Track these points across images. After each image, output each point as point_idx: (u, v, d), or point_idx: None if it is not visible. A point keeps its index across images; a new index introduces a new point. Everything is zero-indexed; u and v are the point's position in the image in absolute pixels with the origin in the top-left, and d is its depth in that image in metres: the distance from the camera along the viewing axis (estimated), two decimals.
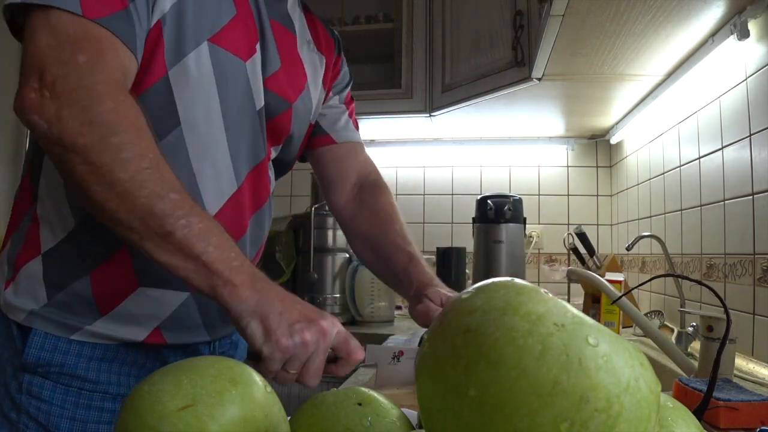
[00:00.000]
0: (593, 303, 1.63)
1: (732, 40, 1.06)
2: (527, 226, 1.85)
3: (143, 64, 0.65)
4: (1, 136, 2.10)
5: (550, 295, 0.28)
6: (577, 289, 1.88)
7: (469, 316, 0.28)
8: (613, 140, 2.02)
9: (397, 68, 1.92)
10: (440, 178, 2.28)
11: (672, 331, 1.32)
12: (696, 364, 0.90)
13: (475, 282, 0.33)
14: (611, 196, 2.15)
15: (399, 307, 1.97)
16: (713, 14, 1.05)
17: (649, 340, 1.12)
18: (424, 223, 2.26)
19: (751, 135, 1.06)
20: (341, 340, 0.61)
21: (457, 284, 1.83)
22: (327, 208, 1.03)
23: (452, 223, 2.25)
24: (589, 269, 1.72)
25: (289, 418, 0.38)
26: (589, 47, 1.24)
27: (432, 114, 1.88)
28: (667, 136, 1.53)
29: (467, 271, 1.91)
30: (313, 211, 1.76)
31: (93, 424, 0.69)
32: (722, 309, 0.55)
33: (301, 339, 0.57)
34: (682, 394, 0.69)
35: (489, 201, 1.76)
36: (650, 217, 1.67)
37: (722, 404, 0.63)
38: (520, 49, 1.50)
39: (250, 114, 0.76)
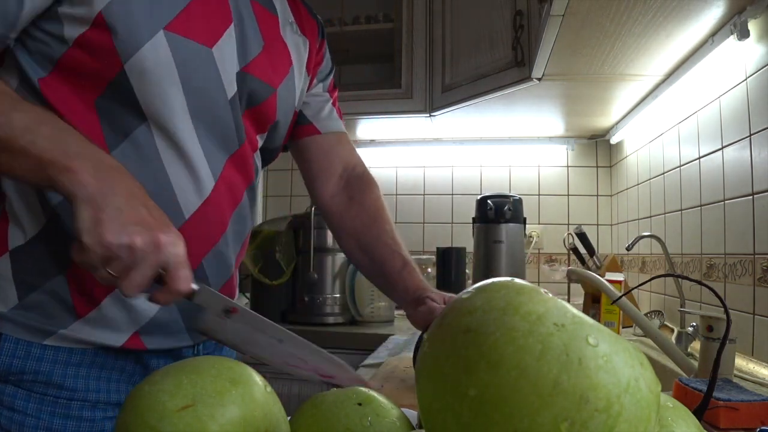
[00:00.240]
0: (593, 303, 1.63)
1: (732, 40, 1.06)
2: (527, 226, 1.85)
3: (94, 60, 0.61)
4: None
5: (550, 295, 0.28)
6: (577, 289, 1.88)
7: (469, 316, 0.28)
8: (613, 140, 2.02)
9: (397, 68, 1.92)
10: (440, 178, 2.28)
11: (672, 331, 1.32)
12: (696, 364, 0.90)
13: (475, 282, 0.33)
14: (611, 196, 2.15)
15: (399, 307, 1.97)
16: (713, 14, 1.05)
17: (649, 340, 1.12)
18: (424, 223, 2.26)
19: (751, 135, 1.06)
20: (173, 263, 0.55)
21: (457, 284, 1.83)
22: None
23: (452, 223, 2.25)
24: (589, 269, 1.72)
25: (289, 418, 0.38)
26: (589, 47, 1.24)
27: (432, 114, 1.88)
28: (667, 136, 1.53)
29: (467, 271, 1.91)
30: (313, 211, 1.76)
31: None
32: (722, 309, 0.55)
33: (129, 241, 0.52)
34: (682, 394, 0.69)
35: (489, 201, 1.76)
36: (650, 217, 1.67)
37: (722, 404, 0.63)
38: (520, 49, 1.50)
39: (220, 104, 0.71)
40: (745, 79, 1.08)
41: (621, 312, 1.36)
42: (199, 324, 0.60)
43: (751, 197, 1.06)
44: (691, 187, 1.36)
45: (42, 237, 0.64)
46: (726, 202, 1.17)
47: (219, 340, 0.62)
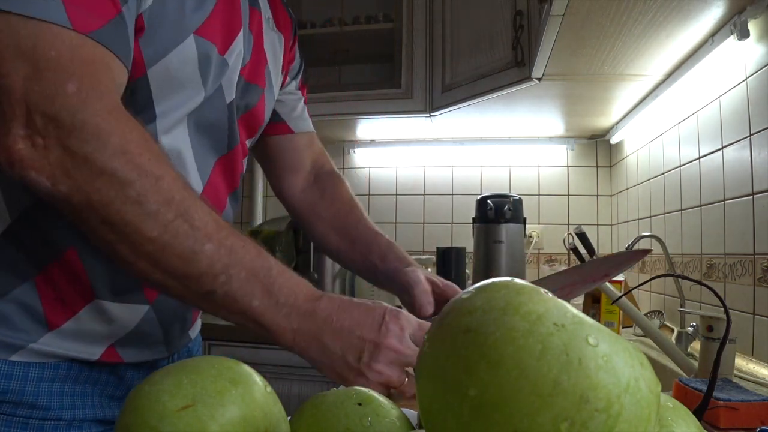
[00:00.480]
0: (593, 303, 1.63)
1: (732, 40, 1.06)
2: (527, 226, 1.85)
3: None
4: None
5: (550, 295, 0.28)
6: None
7: (469, 316, 0.28)
8: (613, 140, 2.02)
9: (397, 68, 1.92)
10: (440, 178, 2.28)
11: (672, 331, 1.32)
12: (696, 364, 0.90)
13: (475, 282, 0.33)
14: (611, 196, 2.15)
15: (400, 307, 1.97)
16: (713, 14, 1.05)
17: (649, 340, 1.12)
18: (424, 223, 2.26)
19: (751, 135, 1.06)
20: (415, 329, 0.58)
21: (457, 284, 1.82)
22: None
23: (452, 223, 2.25)
24: None
25: (289, 418, 0.38)
26: (589, 47, 1.24)
27: (432, 114, 1.88)
28: (667, 136, 1.53)
29: (467, 271, 1.90)
30: None
31: None
32: (722, 309, 0.55)
33: (377, 376, 0.55)
34: (682, 394, 0.69)
35: (489, 201, 1.76)
36: (650, 217, 1.67)
37: (722, 404, 0.63)
38: (520, 49, 1.50)
39: (219, 108, 0.68)
40: (745, 79, 1.08)
41: (621, 312, 1.36)
42: None
43: (751, 197, 1.06)
44: (691, 187, 1.36)
45: (7, 238, 0.57)
46: (726, 202, 1.17)
47: None
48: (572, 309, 0.27)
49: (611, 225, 2.14)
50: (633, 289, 0.69)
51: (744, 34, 1.03)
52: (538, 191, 2.20)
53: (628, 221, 1.92)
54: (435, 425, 0.28)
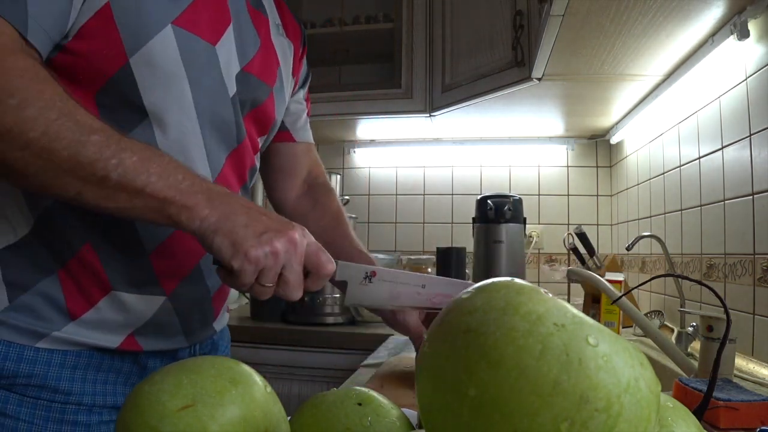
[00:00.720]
0: (593, 303, 1.63)
1: (732, 40, 1.06)
2: (527, 226, 1.85)
3: (97, 52, 0.59)
4: None
5: (550, 295, 0.28)
6: (577, 289, 1.88)
7: (469, 316, 0.28)
8: (613, 140, 2.02)
9: (397, 68, 1.92)
10: (440, 178, 2.28)
11: (672, 331, 1.32)
12: (696, 364, 0.90)
13: (475, 282, 0.33)
14: (611, 196, 2.15)
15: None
16: (713, 14, 1.06)
17: (649, 340, 1.12)
18: (424, 223, 2.26)
19: (751, 135, 1.06)
20: (312, 252, 0.59)
21: None
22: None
23: (452, 223, 2.25)
24: (589, 269, 1.71)
25: (289, 418, 0.38)
26: (589, 47, 1.24)
27: (432, 114, 1.88)
28: (667, 136, 1.53)
29: (467, 271, 1.90)
30: None
31: None
32: (722, 309, 0.55)
33: (270, 249, 0.55)
34: (682, 394, 0.69)
35: (489, 201, 1.76)
36: (650, 217, 1.67)
37: (722, 404, 0.63)
38: (520, 49, 1.50)
39: (223, 102, 0.71)
40: (745, 79, 1.08)
41: (621, 312, 1.36)
42: (348, 300, 0.64)
43: (751, 197, 1.07)
44: (691, 187, 1.36)
45: (32, 236, 0.63)
46: (726, 202, 1.17)
47: (367, 307, 0.66)
48: (572, 309, 0.27)
49: (611, 225, 2.14)
50: (633, 289, 0.69)
51: (744, 34, 1.03)
52: (538, 191, 2.20)
53: (628, 221, 1.92)
54: (435, 425, 0.28)
